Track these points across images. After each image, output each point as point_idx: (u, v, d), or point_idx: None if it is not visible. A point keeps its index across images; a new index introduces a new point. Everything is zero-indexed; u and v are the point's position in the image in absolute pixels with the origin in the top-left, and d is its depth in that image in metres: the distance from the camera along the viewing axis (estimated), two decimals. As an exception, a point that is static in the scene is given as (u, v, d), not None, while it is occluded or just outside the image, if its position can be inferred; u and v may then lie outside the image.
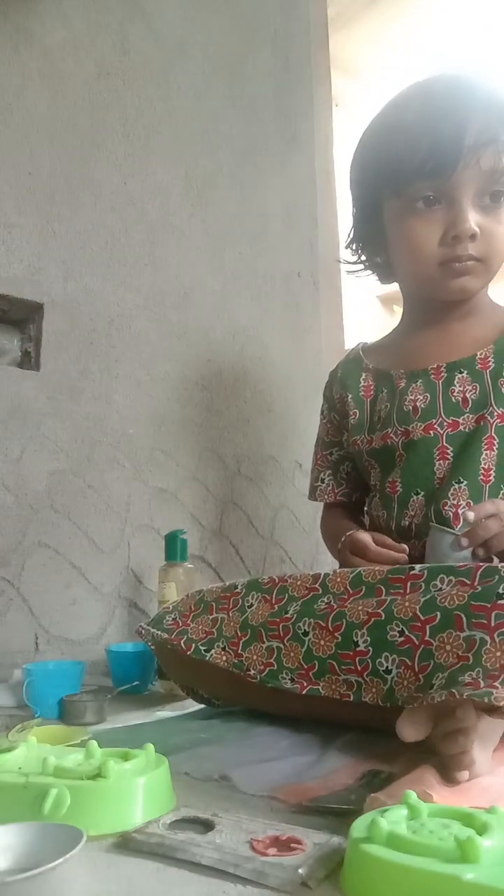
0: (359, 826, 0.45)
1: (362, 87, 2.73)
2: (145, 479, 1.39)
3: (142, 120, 1.49)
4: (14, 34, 1.32)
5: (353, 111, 2.51)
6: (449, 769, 0.60)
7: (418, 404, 1.00)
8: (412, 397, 1.01)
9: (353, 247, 1.10)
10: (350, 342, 1.85)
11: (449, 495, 0.95)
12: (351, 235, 1.10)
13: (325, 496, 1.18)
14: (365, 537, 0.94)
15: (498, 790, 0.60)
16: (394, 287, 1.12)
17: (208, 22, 1.67)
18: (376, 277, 1.12)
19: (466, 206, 0.92)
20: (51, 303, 1.30)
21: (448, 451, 0.97)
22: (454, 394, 0.98)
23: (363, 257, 1.10)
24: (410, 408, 1.00)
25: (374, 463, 1.06)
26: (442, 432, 0.98)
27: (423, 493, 0.98)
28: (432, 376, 1.00)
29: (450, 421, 0.98)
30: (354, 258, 1.11)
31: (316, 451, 1.22)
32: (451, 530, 0.85)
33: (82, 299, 1.35)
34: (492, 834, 0.41)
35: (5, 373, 1.24)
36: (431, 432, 0.98)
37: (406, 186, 0.94)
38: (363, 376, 1.11)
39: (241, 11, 1.75)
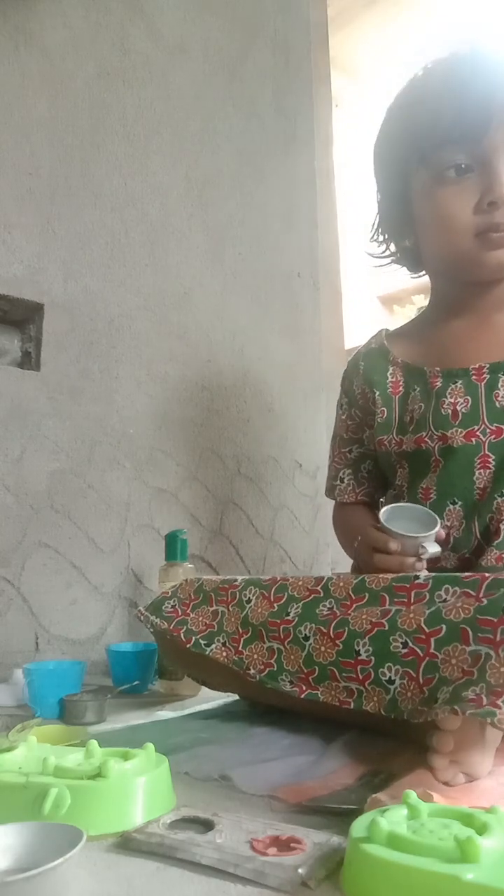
0: (359, 826, 0.44)
1: (362, 87, 2.74)
2: (145, 479, 1.39)
3: (142, 120, 1.49)
4: (14, 34, 1.31)
5: (353, 111, 2.51)
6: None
7: (458, 408, 0.92)
8: (451, 400, 0.92)
9: (379, 235, 1.03)
10: (350, 342, 1.85)
11: (493, 509, 0.89)
12: (375, 222, 1.03)
13: (345, 496, 1.10)
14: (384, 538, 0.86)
15: (499, 791, 0.60)
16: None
17: (208, 22, 1.67)
18: (406, 269, 1.06)
19: (503, 170, 0.84)
20: (51, 303, 1.30)
21: (490, 460, 0.89)
22: (499, 398, 0.90)
23: (391, 246, 1.03)
24: (450, 412, 0.92)
25: (403, 464, 0.99)
26: (484, 440, 0.90)
27: (460, 503, 0.91)
28: (473, 377, 0.92)
29: (493, 428, 0.90)
30: (381, 249, 1.04)
31: (333, 448, 1.13)
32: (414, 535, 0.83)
33: (82, 299, 1.35)
34: (492, 834, 0.41)
35: (5, 373, 1.24)
36: (473, 440, 0.90)
37: (434, 155, 0.87)
38: (390, 371, 1.01)
39: (241, 11, 1.75)
